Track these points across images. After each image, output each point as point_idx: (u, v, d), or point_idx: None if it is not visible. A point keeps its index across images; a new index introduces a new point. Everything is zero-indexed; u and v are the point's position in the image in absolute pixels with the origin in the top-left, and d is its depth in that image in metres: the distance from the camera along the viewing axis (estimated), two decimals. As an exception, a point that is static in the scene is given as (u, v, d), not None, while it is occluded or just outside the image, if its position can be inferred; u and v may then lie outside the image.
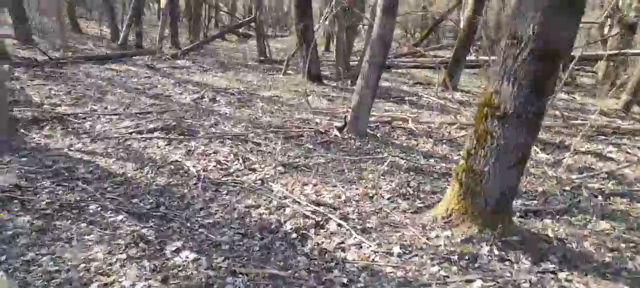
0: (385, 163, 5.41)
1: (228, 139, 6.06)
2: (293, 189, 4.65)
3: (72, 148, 5.32)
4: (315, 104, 8.81)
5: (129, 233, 3.48)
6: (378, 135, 6.86)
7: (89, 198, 4.06)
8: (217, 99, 8.45)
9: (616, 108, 10.79)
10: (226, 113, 7.56)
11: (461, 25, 13.22)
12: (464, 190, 3.76)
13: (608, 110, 10.45)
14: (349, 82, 11.28)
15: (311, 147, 6.17)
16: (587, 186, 5.10)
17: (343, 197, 4.47)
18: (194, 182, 4.64)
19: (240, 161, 5.31)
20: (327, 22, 11.80)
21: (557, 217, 4.44)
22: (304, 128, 6.94)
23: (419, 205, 4.44)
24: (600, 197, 4.91)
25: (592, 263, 3.57)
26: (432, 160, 5.95)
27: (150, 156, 5.28)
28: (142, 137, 5.82)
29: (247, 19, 16.09)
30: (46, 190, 4.15)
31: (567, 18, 3.21)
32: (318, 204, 4.24)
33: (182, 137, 5.93)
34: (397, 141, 6.71)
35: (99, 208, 3.88)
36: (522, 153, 3.57)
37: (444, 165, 5.78)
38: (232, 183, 4.67)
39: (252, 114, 7.59)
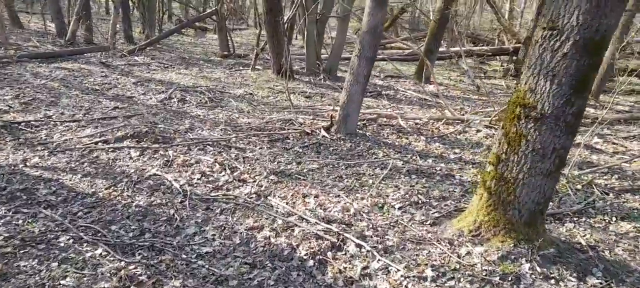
0: (388, 168, 4.97)
1: (208, 145, 5.43)
2: (294, 203, 4.14)
3: (27, 164, 4.55)
4: (287, 101, 8.28)
5: (113, 272, 2.87)
6: (367, 134, 6.43)
7: (57, 228, 3.39)
8: (187, 99, 7.75)
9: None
10: (199, 115, 6.90)
11: (431, 16, 13.03)
12: (495, 199, 3.39)
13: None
14: (322, 77, 10.79)
15: (299, 150, 5.66)
16: (595, 183, 4.88)
17: (352, 210, 4.01)
18: (180, 199, 4.04)
19: (228, 171, 4.73)
20: (296, 15, 11.24)
21: (576, 219, 4.17)
22: (288, 129, 6.40)
23: (435, 214, 4.04)
24: (611, 195, 4.70)
25: (633, 274, 3.29)
26: (430, 160, 5.58)
27: (123, 170, 4.60)
28: (110, 147, 5.10)
29: (209, 11, 15.21)
30: (1, 221, 3.43)
31: (617, 2, 2.86)
32: (328, 221, 3.75)
33: (157, 145, 5.25)
34: (388, 140, 6.31)
35: (71, 241, 3.23)
36: (559, 159, 3.23)
37: (443, 165, 5.43)
38: (225, 199, 4.10)
39: (228, 115, 6.97)
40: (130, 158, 4.91)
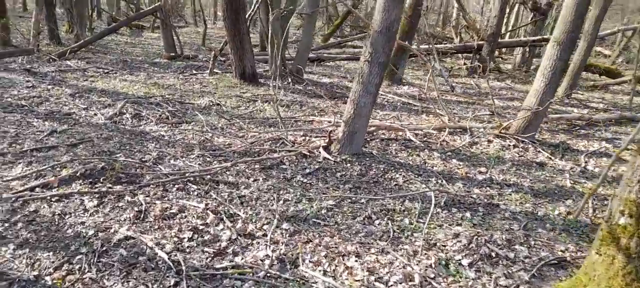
0: (419, 199, 3.96)
1: (189, 181, 4.15)
2: (335, 270, 3.01)
3: None
4: (267, 112, 7.07)
5: None
6: (373, 152, 5.39)
7: None
8: (142, 114, 6.31)
9: (556, 95, 10.57)
10: (163, 136, 5.53)
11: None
12: (637, 266, 2.45)
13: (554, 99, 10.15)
14: (290, 80, 9.63)
15: (303, 180, 4.53)
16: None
17: (416, 278, 2.93)
18: (173, 281, 2.77)
19: (227, 223, 3.50)
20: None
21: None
22: (280, 150, 5.22)
23: (520, 272, 3.07)
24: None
25: None
26: (459, 184, 4.66)
27: (77, 231, 3.24)
28: (53, 195, 3.68)
29: (151, 7, 13.47)
30: None
31: None
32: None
33: (120, 187, 3.90)
34: (399, 158, 5.32)
35: None
36: None
37: (477, 191, 4.54)
38: (237, 275, 2.88)
39: (199, 134, 5.65)
40: (85, 210, 3.54)
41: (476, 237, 3.45)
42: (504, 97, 10.09)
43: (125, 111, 6.34)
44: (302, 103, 7.78)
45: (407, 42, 10.65)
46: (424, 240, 3.44)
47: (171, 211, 3.58)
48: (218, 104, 7.30)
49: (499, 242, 3.43)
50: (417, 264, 3.12)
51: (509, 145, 5.96)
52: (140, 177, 4.13)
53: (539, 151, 5.87)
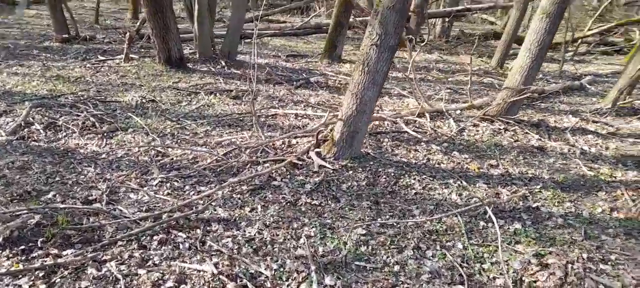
0: (455, 211, 3.27)
1: (172, 229, 2.98)
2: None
3: None
4: (217, 107, 5.88)
5: None
6: (369, 151, 4.57)
7: None
8: (58, 121, 4.80)
9: (489, 65, 10.64)
10: (99, 154, 4.18)
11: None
12: None
13: (488, 68, 10.18)
14: (223, 63, 8.37)
15: (309, 200, 3.61)
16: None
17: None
18: None
19: (256, 291, 2.47)
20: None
21: None
22: (263, 161, 4.18)
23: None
24: None
25: None
26: (479, 183, 4.06)
27: None
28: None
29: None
30: None
31: None
32: None
33: (74, 252, 2.62)
34: (400, 155, 4.59)
35: None
36: None
37: (504, 190, 3.99)
38: None
39: (145, 146, 4.36)
40: (31, 305, 2.25)
41: (564, 264, 2.81)
42: (444, 70, 9.80)
43: (32, 120, 4.75)
44: (253, 93, 6.63)
45: (345, 14, 9.87)
46: (505, 276, 2.72)
47: (166, 286, 2.43)
48: (153, 100, 5.90)
49: (591, 266, 2.82)
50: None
51: (500, 129, 5.51)
52: (98, 230, 2.86)
53: (527, 132, 5.49)
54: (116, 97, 5.97)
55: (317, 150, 4.34)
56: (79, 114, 5.11)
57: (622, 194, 3.89)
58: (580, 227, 3.40)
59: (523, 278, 2.75)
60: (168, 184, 3.65)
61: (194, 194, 3.54)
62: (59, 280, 2.41)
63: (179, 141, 4.64)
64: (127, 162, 4.04)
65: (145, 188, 3.52)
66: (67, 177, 3.60)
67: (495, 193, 3.93)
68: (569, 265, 2.77)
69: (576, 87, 8.40)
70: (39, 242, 2.63)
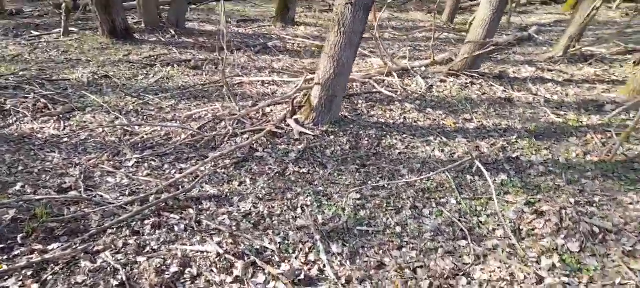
0: (455, 171, 3.32)
1: (162, 209, 2.80)
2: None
3: None
4: (176, 79, 5.57)
5: None
6: (346, 114, 4.52)
7: None
8: (5, 105, 4.35)
9: (440, 20, 10.78)
10: (61, 138, 3.84)
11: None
12: None
13: (439, 24, 10.31)
14: (173, 32, 7.93)
15: (296, 169, 3.52)
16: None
17: None
18: None
19: (267, 268, 2.38)
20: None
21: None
22: (242, 133, 4.02)
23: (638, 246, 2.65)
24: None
25: None
26: (458, 138, 4.14)
27: None
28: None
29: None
30: None
31: None
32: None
33: (60, 246, 2.41)
34: (376, 116, 4.58)
35: None
36: None
37: (482, 143, 4.06)
38: None
39: (110, 126, 4.06)
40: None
41: (558, 210, 2.92)
42: (399, 28, 9.80)
43: (-25, 106, 4.28)
44: (211, 61, 6.33)
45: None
46: (504, 226, 2.80)
47: (171, 271, 2.29)
48: (106, 76, 5.48)
49: (582, 210, 2.95)
50: (533, 266, 2.47)
51: (466, 83, 5.61)
52: (82, 220, 2.63)
53: (492, 85, 5.63)
54: (63, 74, 5.49)
55: (296, 117, 4.21)
56: (27, 95, 4.65)
57: (592, 138, 4.07)
58: (560, 173, 3.55)
59: (521, 227, 2.83)
60: (146, 164, 3.42)
61: (175, 173, 3.34)
62: (50, 277, 2.20)
63: (145, 118, 4.34)
64: (93, 145, 3.73)
65: (122, 171, 3.27)
66: (31, 165, 3.27)
67: (475, 147, 4.00)
68: (563, 211, 2.87)
69: (525, 38, 8.69)
70: (18, 239, 2.37)
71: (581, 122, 4.55)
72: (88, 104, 4.59)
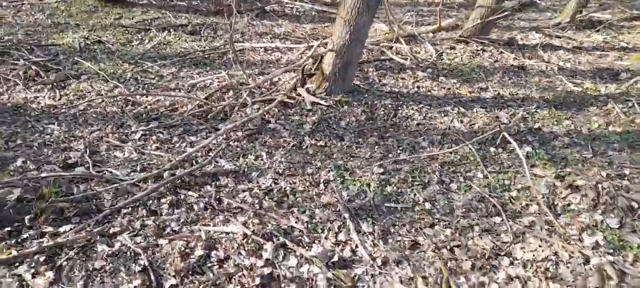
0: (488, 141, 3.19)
1: (178, 186, 2.62)
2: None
3: None
4: (174, 45, 5.27)
5: None
6: (358, 83, 4.33)
7: None
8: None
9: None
10: (58, 109, 3.61)
11: None
12: None
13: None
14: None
15: (312, 141, 3.36)
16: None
17: (609, 268, 2.20)
18: None
19: (298, 250, 2.23)
20: None
21: None
22: (253, 103, 3.80)
23: None
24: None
25: None
26: (476, 108, 3.98)
27: None
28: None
29: None
30: None
31: None
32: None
33: (73, 229, 2.22)
34: (387, 85, 4.40)
35: None
36: None
37: (502, 113, 3.92)
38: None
39: (110, 96, 3.81)
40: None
41: (594, 185, 2.80)
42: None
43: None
44: (209, 26, 6.02)
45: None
46: (539, 202, 2.68)
47: (196, 255, 2.12)
48: (99, 41, 5.16)
49: (617, 184, 2.84)
50: (575, 243, 2.36)
51: (477, 51, 5.43)
52: (93, 199, 2.43)
53: (502, 52, 5.45)
54: (52, 39, 5.15)
55: (307, 86, 4.00)
56: (16, 62, 4.34)
57: (613, 108, 3.95)
58: (585, 144, 3.42)
59: (555, 203, 2.71)
60: (153, 137, 3.20)
61: (186, 146, 3.14)
62: (65, 263, 2.02)
63: (146, 86, 4.09)
64: (94, 116, 3.49)
65: (129, 145, 3.06)
66: (30, 138, 3.03)
67: (495, 117, 3.86)
68: (600, 185, 2.75)
69: (528, 3, 8.47)
70: (26, 221, 2.17)
71: (599, 91, 4.42)
72: (83, 71, 4.31)
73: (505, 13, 5.62)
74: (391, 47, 5.42)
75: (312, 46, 5.02)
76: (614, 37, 6.30)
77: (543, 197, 2.76)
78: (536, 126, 3.70)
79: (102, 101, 3.73)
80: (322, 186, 2.79)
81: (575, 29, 6.71)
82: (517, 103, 4.15)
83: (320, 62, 4.06)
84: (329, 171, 2.95)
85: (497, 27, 6.72)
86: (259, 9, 7.21)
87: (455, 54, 5.36)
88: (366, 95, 4.07)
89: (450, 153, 3.27)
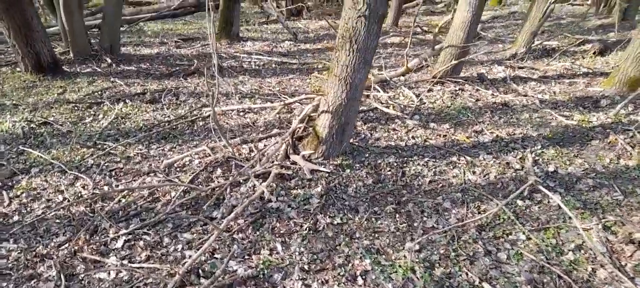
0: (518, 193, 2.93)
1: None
2: None
3: None
4: (132, 118, 4.70)
5: None
6: (353, 141, 3.99)
7: None
8: None
9: (385, 24, 10.61)
10: (11, 218, 2.92)
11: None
12: None
13: (385, 28, 10.11)
14: (109, 60, 6.93)
15: (326, 220, 2.90)
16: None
17: None
18: None
19: None
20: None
21: None
22: (244, 180, 3.33)
23: None
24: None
25: None
26: (482, 155, 3.75)
27: None
28: None
29: None
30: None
31: None
32: None
33: None
34: (381, 139, 4.09)
35: None
36: None
37: (510, 158, 3.71)
38: None
39: (71, 193, 3.20)
40: None
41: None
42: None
43: None
44: (168, 91, 5.48)
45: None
46: (602, 265, 2.40)
47: None
48: (45, 123, 4.47)
49: (667, 230, 2.63)
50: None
51: (456, 91, 5.29)
52: None
53: (478, 89, 5.36)
54: (-8, 123, 4.41)
55: (303, 153, 3.58)
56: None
57: (616, 140, 3.85)
58: (609, 184, 3.24)
59: (622, 262, 2.44)
60: (140, 243, 2.63)
61: (183, 248, 2.59)
62: None
63: (114, 173, 3.49)
64: (57, 221, 2.86)
65: (112, 258, 2.46)
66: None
67: (506, 163, 3.62)
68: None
69: (476, 36, 8.66)
70: None
71: (590, 121, 4.36)
72: (32, 162, 3.64)
73: (474, 52, 5.56)
74: (368, 96, 5.15)
75: (288, 104, 4.65)
76: (572, 63, 6.45)
77: (603, 256, 2.49)
78: (551, 169, 3.50)
79: (65, 200, 3.10)
80: (360, 280, 2.36)
81: (533, 58, 6.82)
82: (519, 144, 3.96)
83: (309, 123, 3.67)
84: (361, 258, 2.52)
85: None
86: (216, 67, 6.75)
87: (435, 96, 5.18)
88: (367, 155, 3.71)
89: (485, 216, 2.95)
